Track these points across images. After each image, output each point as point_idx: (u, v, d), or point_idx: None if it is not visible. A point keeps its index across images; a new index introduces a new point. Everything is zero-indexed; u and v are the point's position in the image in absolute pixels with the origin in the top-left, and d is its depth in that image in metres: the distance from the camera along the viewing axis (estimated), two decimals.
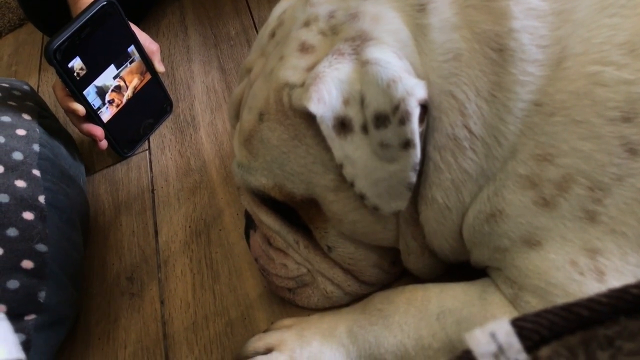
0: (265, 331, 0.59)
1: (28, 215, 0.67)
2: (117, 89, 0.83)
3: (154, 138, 0.91)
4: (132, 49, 0.83)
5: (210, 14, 0.94)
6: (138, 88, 0.86)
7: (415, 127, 0.41)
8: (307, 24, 0.47)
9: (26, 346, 0.62)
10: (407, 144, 0.42)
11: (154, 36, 1.02)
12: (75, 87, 0.78)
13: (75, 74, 0.77)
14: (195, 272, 0.72)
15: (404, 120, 0.41)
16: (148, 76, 0.87)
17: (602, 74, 0.38)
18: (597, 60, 0.38)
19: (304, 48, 0.46)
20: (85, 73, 0.78)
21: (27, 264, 0.64)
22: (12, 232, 0.65)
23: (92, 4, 0.76)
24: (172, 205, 0.80)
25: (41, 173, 0.72)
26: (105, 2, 0.77)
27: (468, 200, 0.46)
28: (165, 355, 0.66)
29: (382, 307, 0.52)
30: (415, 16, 0.43)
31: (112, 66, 0.81)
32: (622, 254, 0.39)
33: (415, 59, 0.44)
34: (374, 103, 0.42)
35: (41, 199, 0.69)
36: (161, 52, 0.93)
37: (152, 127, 0.91)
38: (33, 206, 0.68)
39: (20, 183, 0.69)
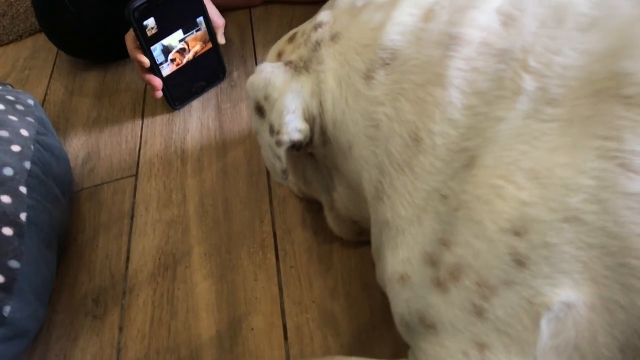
0: None
1: (7, 231, 0.71)
2: (181, 50, 0.96)
3: (144, 165, 0.95)
4: (200, 19, 0.95)
5: None
6: (198, 53, 0.99)
7: (282, 153, 0.58)
8: (314, 26, 0.59)
9: None
10: (278, 157, 0.58)
11: None
12: (144, 41, 0.91)
13: (147, 30, 0.89)
14: (156, 305, 0.76)
15: (279, 143, 0.57)
16: (209, 45, 0.99)
17: (503, 188, 0.42)
18: (502, 176, 0.43)
19: (290, 39, 0.63)
20: (156, 32, 0.91)
21: None
22: None
23: None
24: (147, 234, 0.84)
25: (27, 190, 0.76)
26: None
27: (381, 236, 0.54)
28: None
29: None
30: (357, 80, 0.53)
31: (180, 31, 0.94)
32: (507, 352, 0.42)
33: (319, 109, 0.56)
34: (274, 116, 0.57)
35: (22, 216, 0.73)
36: None
37: (203, 89, 1.04)
38: (14, 222, 0.72)
39: (5, 198, 0.73)
